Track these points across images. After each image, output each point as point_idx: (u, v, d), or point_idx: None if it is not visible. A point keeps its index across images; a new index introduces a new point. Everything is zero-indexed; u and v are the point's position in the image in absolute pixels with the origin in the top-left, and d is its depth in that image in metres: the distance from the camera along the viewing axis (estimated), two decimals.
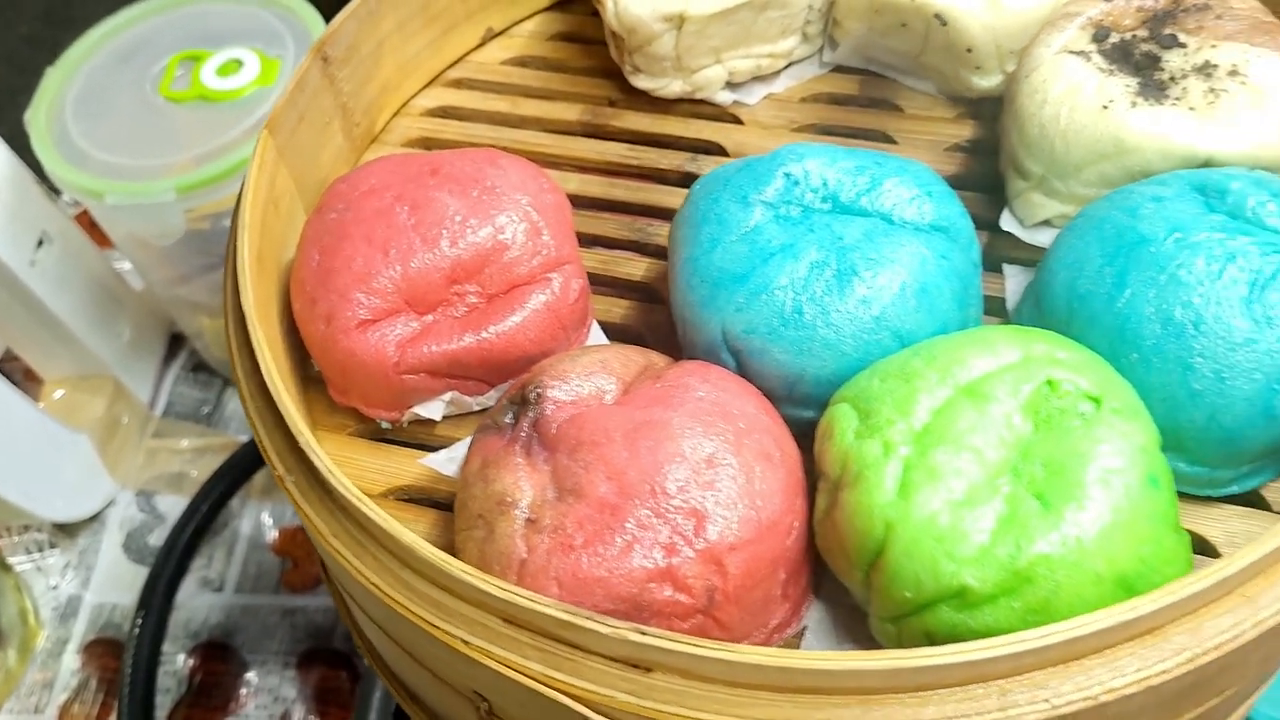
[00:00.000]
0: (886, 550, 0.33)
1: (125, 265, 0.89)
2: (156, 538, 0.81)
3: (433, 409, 0.42)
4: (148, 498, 0.83)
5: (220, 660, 0.75)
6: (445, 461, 0.40)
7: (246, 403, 0.39)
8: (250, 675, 0.75)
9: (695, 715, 0.31)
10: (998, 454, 0.33)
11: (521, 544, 0.34)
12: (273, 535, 0.79)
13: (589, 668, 0.31)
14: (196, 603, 0.78)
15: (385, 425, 0.42)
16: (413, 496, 0.41)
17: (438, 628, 0.33)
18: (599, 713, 0.31)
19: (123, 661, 0.73)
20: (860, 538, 0.33)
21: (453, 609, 0.33)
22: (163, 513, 0.82)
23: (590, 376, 0.37)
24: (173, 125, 0.71)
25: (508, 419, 0.37)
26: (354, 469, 0.42)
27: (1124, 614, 0.30)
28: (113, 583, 0.79)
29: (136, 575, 0.79)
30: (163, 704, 0.74)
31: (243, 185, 0.42)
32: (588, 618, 0.31)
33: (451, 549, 0.36)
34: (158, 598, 0.76)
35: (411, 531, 0.39)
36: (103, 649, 0.77)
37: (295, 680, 0.74)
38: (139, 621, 0.74)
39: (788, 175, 0.41)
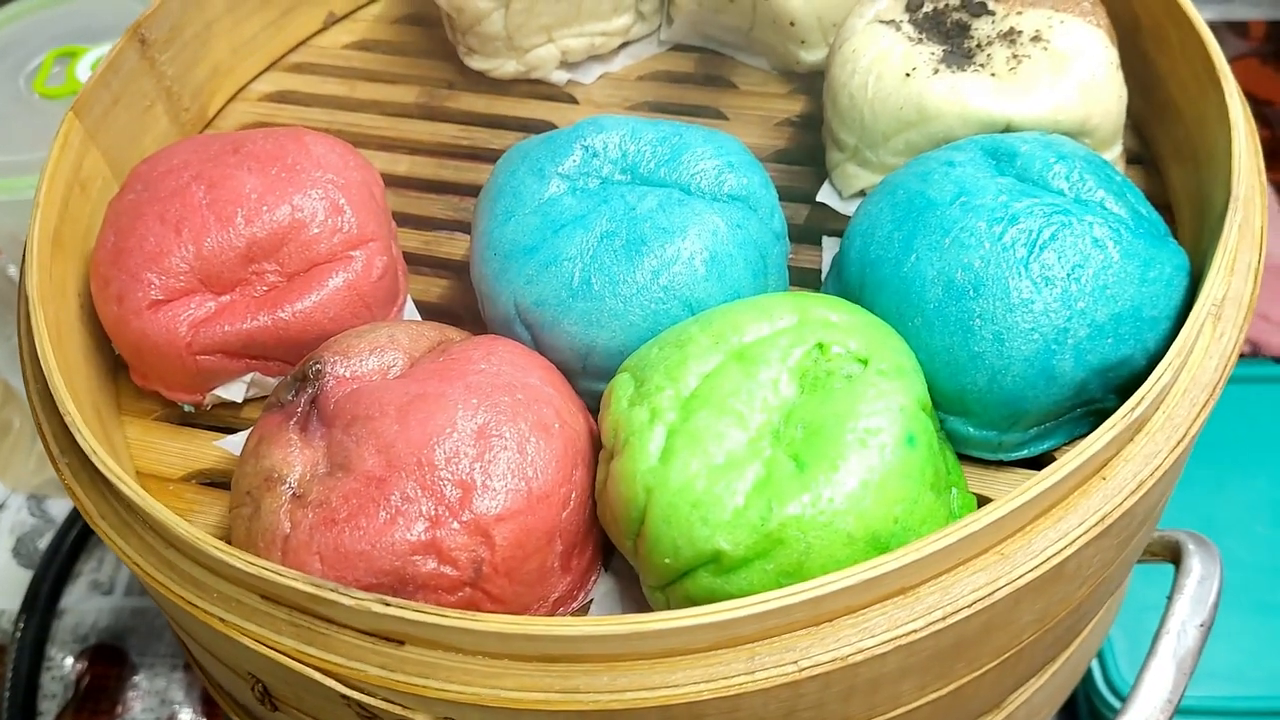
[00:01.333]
0: (647, 517, 0.32)
1: (15, 270, 0.88)
2: (47, 542, 0.80)
3: (234, 391, 0.41)
4: (39, 501, 0.82)
5: (108, 664, 0.74)
6: (239, 444, 0.40)
7: (29, 385, 0.38)
8: (138, 678, 0.74)
9: (447, 688, 0.30)
10: (761, 418, 0.33)
11: (285, 520, 0.33)
12: None
13: (341, 642, 0.31)
14: (85, 606, 0.76)
15: (188, 408, 0.42)
16: (215, 480, 0.41)
17: (196, 607, 0.32)
18: (352, 687, 0.31)
19: (4, 666, 0.72)
20: (625, 505, 0.33)
21: (212, 587, 0.32)
22: (54, 516, 0.81)
23: (375, 352, 0.37)
24: (48, 122, 0.70)
25: (289, 396, 0.36)
26: (155, 453, 0.41)
27: (868, 571, 0.29)
28: (2, 588, 0.78)
29: (26, 580, 0.77)
30: (49, 709, 0.72)
31: (43, 166, 0.42)
32: (332, 589, 0.30)
33: None
34: (41, 600, 0.74)
35: (207, 515, 0.39)
36: None
37: (182, 682, 0.73)
38: (21, 625, 0.73)
39: (586, 147, 0.40)
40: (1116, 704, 0.59)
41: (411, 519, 0.33)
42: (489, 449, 0.34)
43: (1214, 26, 0.89)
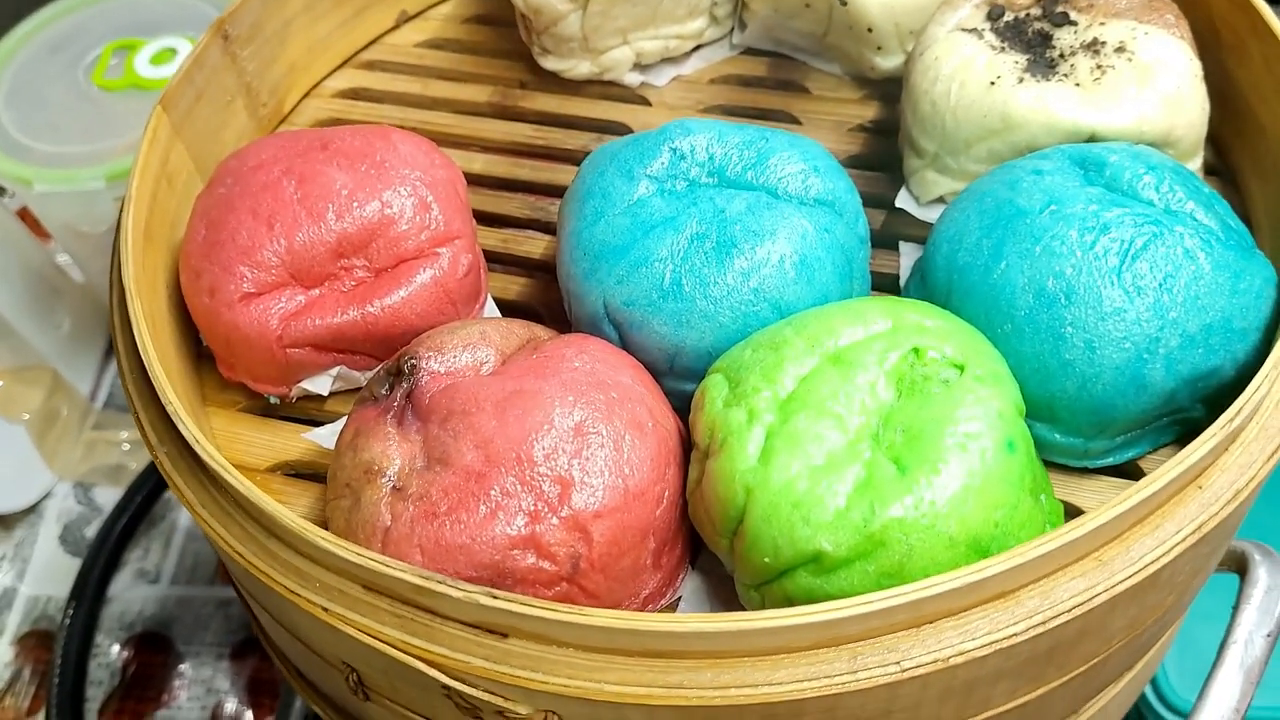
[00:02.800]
0: (746, 516, 0.33)
1: (66, 258, 0.89)
2: (94, 530, 0.80)
3: (320, 384, 0.42)
4: (86, 490, 0.82)
5: (154, 652, 0.75)
6: (328, 436, 0.40)
7: (125, 377, 0.38)
8: (184, 667, 0.74)
9: (550, 680, 0.31)
10: (860, 420, 0.33)
11: (386, 512, 0.34)
12: None
13: (445, 633, 0.31)
14: (131, 594, 0.77)
15: (273, 401, 0.42)
16: (300, 472, 0.41)
17: (299, 595, 0.33)
18: (454, 678, 0.31)
19: (53, 653, 0.73)
20: (723, 505, 0.33)
21: (314, 577, 0.33)
22: (101, 505, 0.82)
23: (468, 348, 0.37)
24: (106, 114, 0.71)
25: (384, 390, 0.37)
26: (241, 445, 0.42)
27: (972, 575, 0.30)
28: (48, 575, 0.79)
29: (72, 567, 0.78)
30: (95, 696, 0.73)
31: (134, 160, 0.42)
32: (440, 582, 0.31)
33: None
34: (90, 589, 0.75)
35: (294, 506, 0.39)
36: (36, 641, 0.76)
37: (228, 671, 0.73)
38: (69, 613, 0.74)
39: (674, 150, 0.41)
40: (1166, 714, 0.59)
41: (511, 514, 0.33)
42: (586, 446, 0.34)
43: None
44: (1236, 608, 0.44)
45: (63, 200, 0.69)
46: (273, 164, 0.42)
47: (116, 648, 0.74)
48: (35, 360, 0.81)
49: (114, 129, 0.69)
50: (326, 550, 0.32)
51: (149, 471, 0.79)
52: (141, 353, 0.37)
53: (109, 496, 0.81)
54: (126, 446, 0.84)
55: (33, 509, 0.81)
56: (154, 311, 0.41)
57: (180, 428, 0.35)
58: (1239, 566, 0.45)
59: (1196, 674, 0.57)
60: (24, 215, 0.90)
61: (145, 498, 0.79)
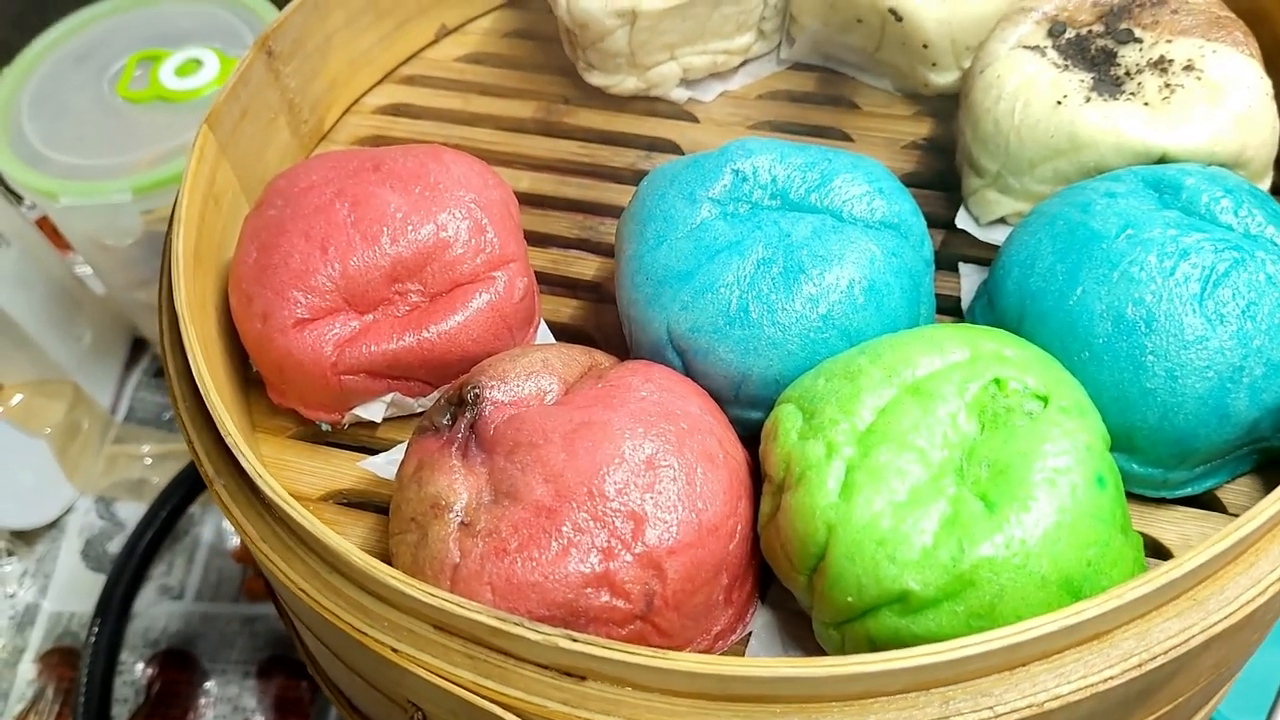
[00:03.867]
0: (828, 553, 0.32)
1: (86, 270, 0.88)
2: (116, 545, 0.80)
3: (373, 410, 0.41)
4: (107, 504, 0.82)
5: (179, 669, 0.74)
6: (384, 465, 0.39)
7: (177, 403, 0.38)
8: (209, 684, 0.73)
9: None
10: (942, 454, 0.32)
11: (455, 548, 0.33)
12: (234, 542, 0.78)
13: (521, 675, 0.31)
14: (156, 611, 0.76)
15: (325, 428, 0.41)
16: (352, 500, 0.40)
17: (366, 635, 0.32)
18: None
19: (78, 671, 0.72)
20: (802, 541, 0.32)
21: (382, 615, 0.32)
22: (123, 520, 0.81)
23: (531, 376, 0.36)
24: (131, 125, 0.70)
25: (445, 420, 0.36)
26: (292, 472, 0.41)
27: (1068, 618, 0.29)
28: (71, 591, 0.78)
29: (95, 583, 0.77)
30: (120, 714, 0.72)
31: (181, 181, 0.41)
32: (518, 624, 0.30)
33: (387, 553, 0.35)
34: (114, 605, 0.74)
35: (349, 536, 0.38)
36: (59, 658, 0.75)
37: (255, 689, 0.73)
38: (95, 630, 0.73)
39: (736, 172, 0.40)
40: None
41: (585, 551, 0.32)
42: (658, 480, 0.33)
43: None
44: None
45: (87, 213, 0.68)
46: (324, 186, 0.41)
47: (141, 665, 0.74)
48: (56, 373, 0.81)
49: (139, 141, 0.68)
50: (398, 590, 0.31)
51: (173, 486, 0.79)
52: (197, 379, 0.36)
53: (131, 511, 0.80)
54: (148, 460, 0.83)
55: (54, 524, 0.80)
56: (203, 335, 0.40)
57: (240, 460, 0.34)
58: None
59: (1251, 700, 0.56)
60: (43, 224, 0.89)
61: (170, 513, 0.78)
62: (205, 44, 0.72)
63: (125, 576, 0.75)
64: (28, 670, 0.74)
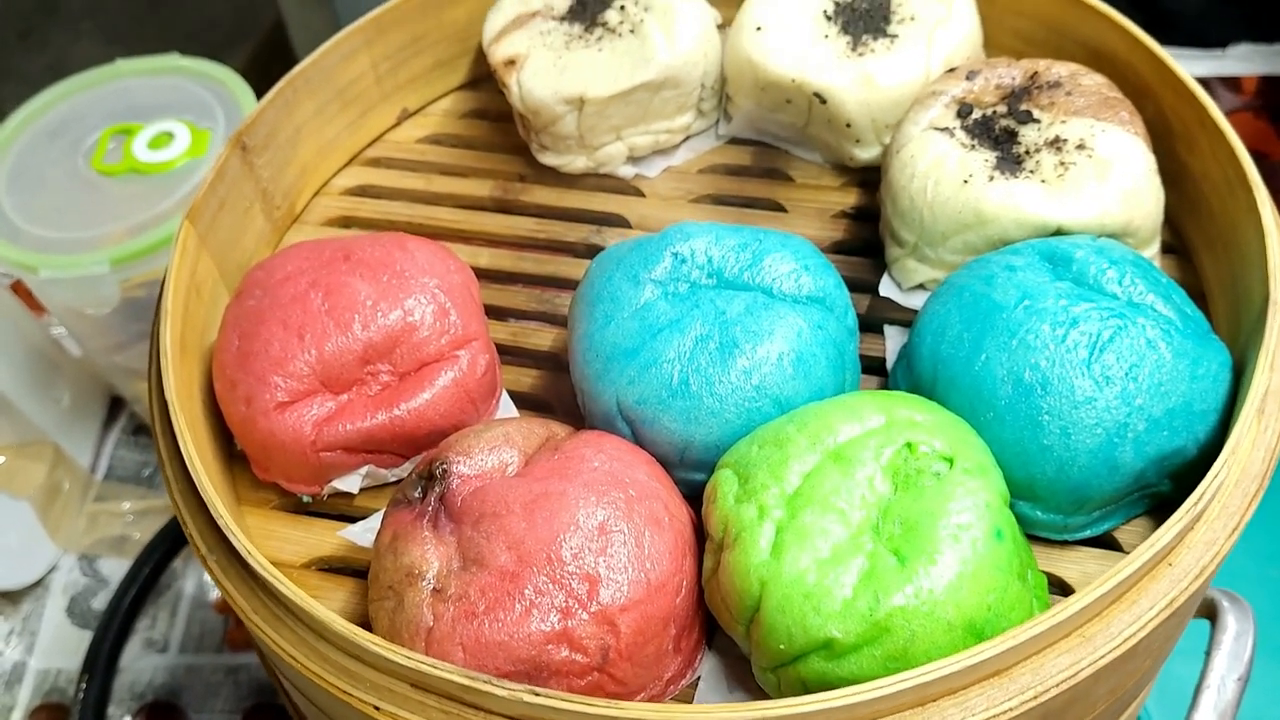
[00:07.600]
0: (762, 606, 0.36)
1: (62, 331, 0.91)
2: (100, 601, 0.82)
3: (350, 482, 0.44)
4: (90, 561, 0.84)
5: None
6: (362, 533, 0.43)
7: (170, 485, 0.41)
8: None
9: None
10: (861, 514, 0.36)
11: (428, 613, 0.37)
12: (215, 594, 0.81)
13: None
14: (141, 664, 0.79)
15: (306, 499, 0.45)
16: (333, 566, 0.44)
17: (351, 695, 0.35)
18: None
19: None
20: (739, 595, 0.36)
21: (364, 677, 0.35)
22: (106, 576, 0.83)
23: (494, 450, 0.40)
24: (106, 198, 0.72)
25: (416, 493, 0.40)
26: (276, 541, 0.44)
27: (970, 658, 0.33)
28: (57, 648, 0.80)
29: (81, 639, 0.80)
30: None
31: (164, 274, 0.45)
32: (486, 681, 0.33)
33: (367, 616, 0.39)
34: (101, 661, 0.77)
35: (330, 600, 0.42)
36: (48, 714, 0.77)
37: None
38: (83, 686, 0.75)
39: (675, 254, 0.44)
40: None
41: (545, 611, 0.36)
42: (610, 544, 0.37)
43: (1207, 82, 0.93)
44: (1209, 654, 0.47)
45: (66, 284, 0.71)
46: (300, 276, 0.44)
47: (129, 718, 0.76)
48: (36, 435, 0.83)
49: (115, 213, 0.71)
50: (375, 652, 0.35)
51: (154, 542, 0.81)
52: (189, 464, 0.39)
53: (114, 567, 0.83)
54: (129, 517, 0.85)
55: (39, 583, 0.82)
56: (190, 417, 0.43)
57: (231, 539, 0.37)
58: (1209, 613, 0.49)
59: (1176, 709, 0.60)
60: (17, 288, 0.91)
61: (153, 569, 0.80)
62: (176, 117, 0.74)
63: (111, 632, 0.78)
64: None
